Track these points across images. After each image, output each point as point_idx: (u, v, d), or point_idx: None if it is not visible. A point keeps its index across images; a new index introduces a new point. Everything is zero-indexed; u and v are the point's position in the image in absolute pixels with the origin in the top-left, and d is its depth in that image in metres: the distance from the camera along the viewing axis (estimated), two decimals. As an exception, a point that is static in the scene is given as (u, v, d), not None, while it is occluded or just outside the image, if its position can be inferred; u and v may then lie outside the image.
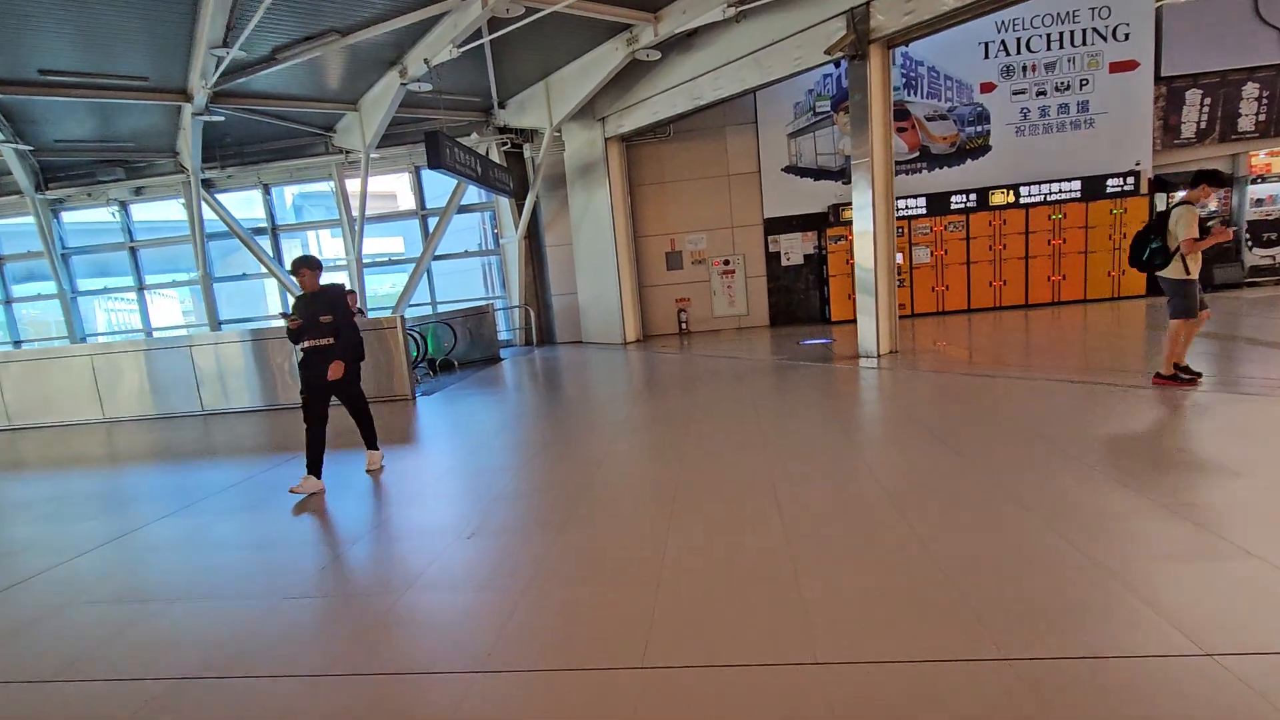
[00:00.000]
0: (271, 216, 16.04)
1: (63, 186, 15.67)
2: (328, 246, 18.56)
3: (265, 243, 16.07)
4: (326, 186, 15.93)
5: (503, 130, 14.39)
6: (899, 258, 13.17)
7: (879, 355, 9.03)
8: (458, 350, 13.15)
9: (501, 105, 14.04)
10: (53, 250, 16.14)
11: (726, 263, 14.60)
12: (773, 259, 14.46)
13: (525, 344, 15.35)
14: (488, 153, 14.44)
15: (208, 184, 15.59)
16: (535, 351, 14.09)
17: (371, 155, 14.15)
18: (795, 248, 14.35)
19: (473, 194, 15.53)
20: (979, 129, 13.57)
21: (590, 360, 11.90)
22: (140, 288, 16.70)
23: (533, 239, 15.37)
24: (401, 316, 9.32)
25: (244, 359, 9.57)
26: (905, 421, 5.55)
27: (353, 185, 15.54)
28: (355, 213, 14.50)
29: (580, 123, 13.68)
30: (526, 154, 14.54)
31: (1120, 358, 7.59)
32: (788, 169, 14.07)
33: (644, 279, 14.80)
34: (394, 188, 15.96)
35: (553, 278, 15.07)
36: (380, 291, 17.03)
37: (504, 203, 14.77)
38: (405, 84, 11.00)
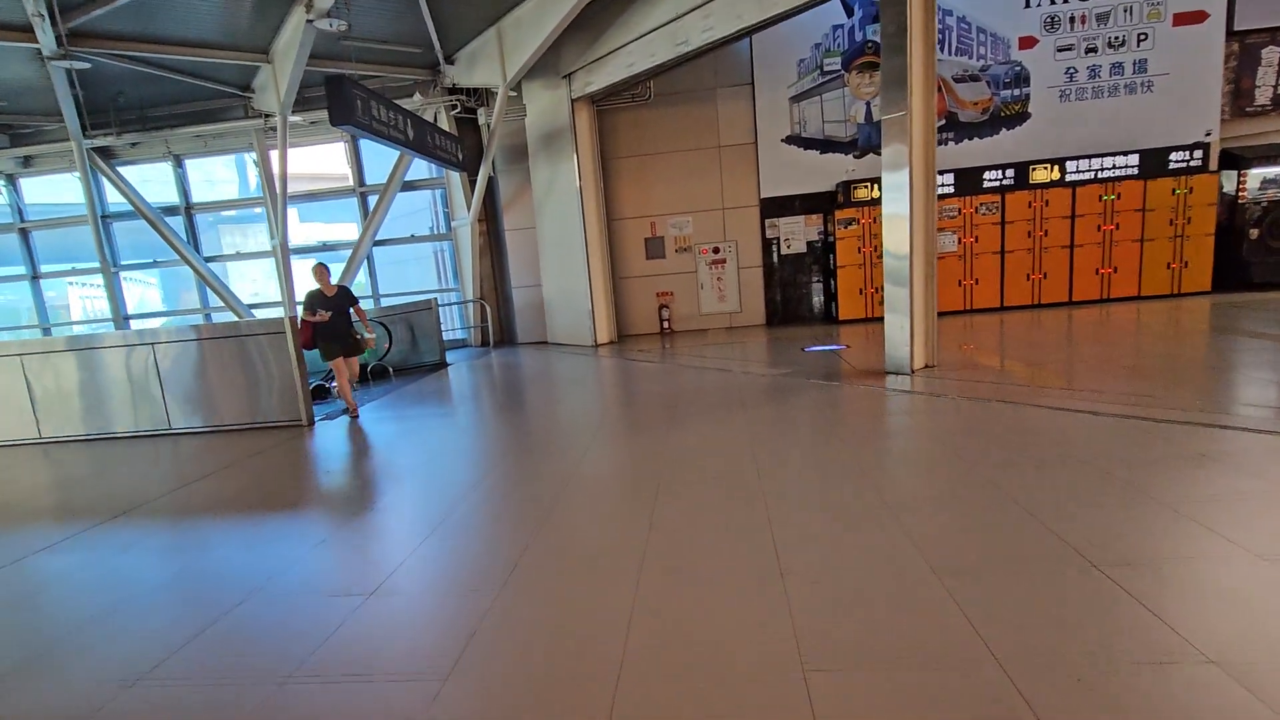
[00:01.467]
0: (185, 193, 13.69)
1: (-65, 156, 13.26)
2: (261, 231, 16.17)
3: (179, 224, 13.73)
4: (251, 158, 13.60)
5: (452, 91, 12.11)
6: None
7: (911, 371, 6.91)
8: (395, 354, 10.94)
9: (449, 60, 11.75)
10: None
11: (716, 251, 12.43)
12: (770, 247, 12.30)
13: (482, 345, 13.14)
14: (435, 118, 12.15)
15: (106, 153, 13.22)
16: (491, 354, 11.89)
17: (292, 119, 11.84)
18: (797, 233, 12.19)
19: (422, 168, 13.25)
20: (1017, 93, 11.42)
21: (551, 368, 9.72)
22: (34, 276, 14.33)
23: (490, 222, 13.13)
24: (291, 317, 7.09)
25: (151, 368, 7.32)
26: (984, 493, 3.42)
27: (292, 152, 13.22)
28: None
29: (543, 81, 11.42)
30: (481, 120, 12.26)
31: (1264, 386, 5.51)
32: (790, 139, 11.87)
33: (619, 269, 12.61)
34: (332, 162, 13.67)
35: (513, 267, 12.84)
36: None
37: (456, 179, 12.51)
38: (312, 21, 8.70)
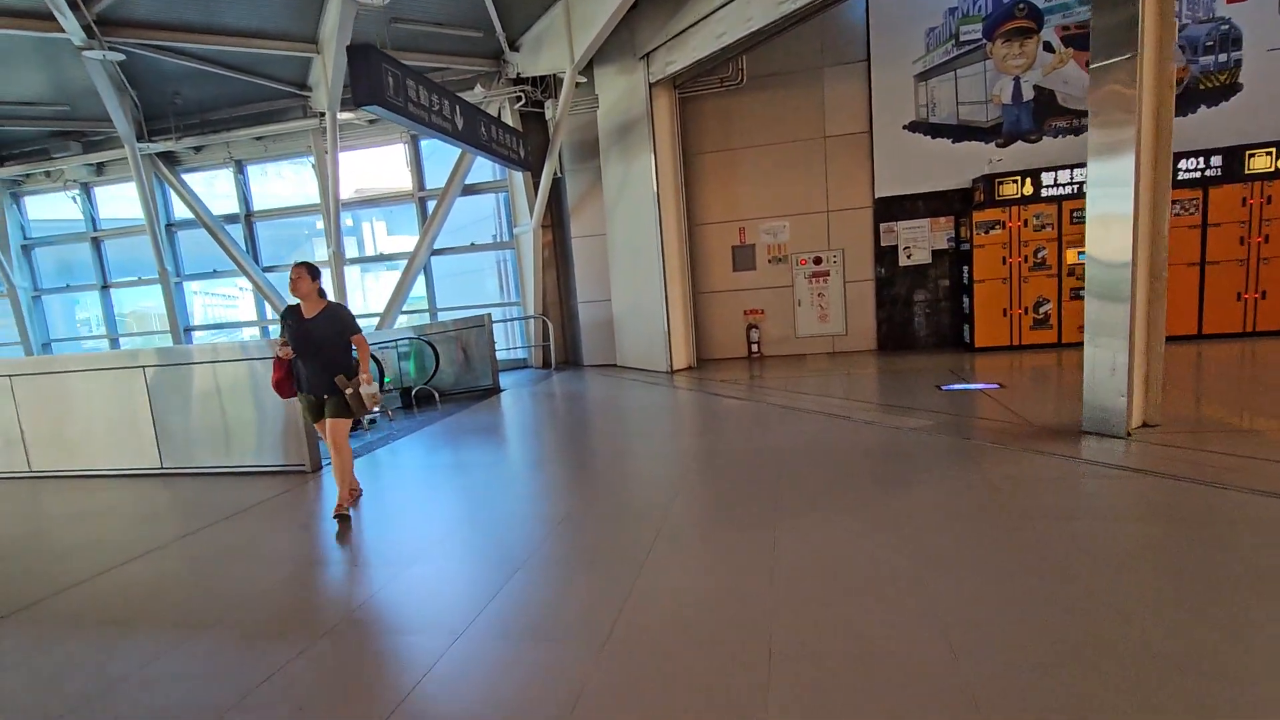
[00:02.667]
0: (246, 200, 13.06)
1: (18, 162, 13.23)
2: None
3: (239, 233, 13.11)
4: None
5: (517, 82, 10.76)
6: (1078, 255, 8.64)
7: (1127, 433, 4.72)
8: (444, 376, 9.60)
9: (514, 46, 10.41)
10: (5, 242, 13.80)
11: (818, 261, 10.42)
12: (886, 256, 10.16)
13: (543, 366, 11.66)
14: (499, 114, 10.85)
15: (170, 160, 12.77)
16: (552, 379, 10.36)
17: (347, 116, 10.86)
18: (920, 239, 9.99)
19: (486, 170, 12.01)
20: (1223, 59, 8.82)
21: (615, 403, 8.02)
22: (104, 285, 14.13)
23: (555, 229, 11.68)
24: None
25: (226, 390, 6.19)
26: None
27: (344, 159, 12.37)
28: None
29: (617, 65, 9.86)
30: (548, 114, 10.84)
31: None
32: (914, 125, 9.74)
33: (701, 283, 10.82)
34: (395, 167, 12.66)
35: (580, 280, 11.29)
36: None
37: (520, 182, 11.14)
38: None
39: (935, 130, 9.65)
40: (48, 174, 13.66)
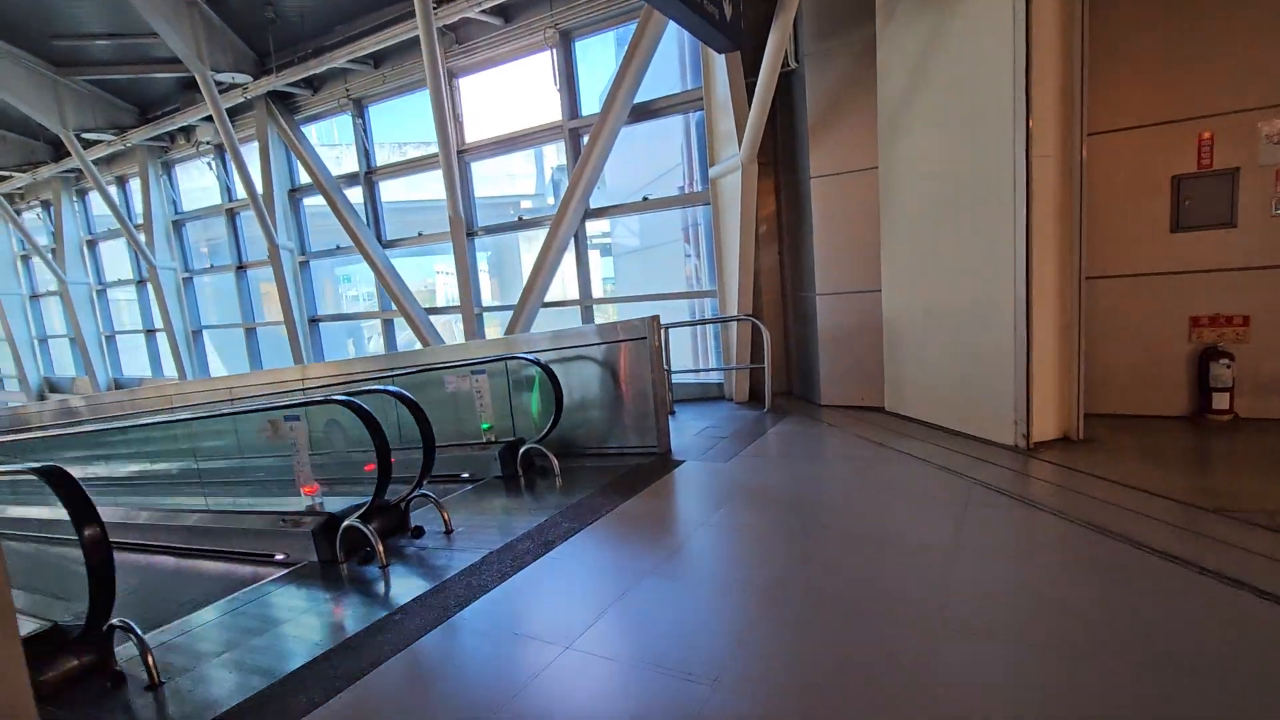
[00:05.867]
0: (367, 154, 10.01)
1: (153, 122, 11.56)
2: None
3: (357, 198, 10.17)
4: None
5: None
6: None
7: None
8: (568, 426, 5.43)
9: None
10: (130, 223, 12.37)
11: None
12: None
13: (748, 403, 6.97)
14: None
15: (286, 103, 10.13)
16: (767, 437, 5.64)
17: (476, 15, 7.09)
18: None
19: (670, 75, 7.58)
20: None
21: (922, 522, 3.05)
22: (239, 266, 12.18)
23: (779, 167, 6.85)
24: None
25: None
26: None
27: (472, 82, 8.82)
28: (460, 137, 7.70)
29: None
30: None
31: None
32: None
33: (1094, 261, 5.17)
34: (533, 93, 8.74)
35: (821, 255, 6.32)
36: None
37: (722, 96, 6.45)
38: None
39: None
40: (186, 136, 11.93)
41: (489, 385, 5.43)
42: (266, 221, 9.97)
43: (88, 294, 14.77)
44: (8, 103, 10.39)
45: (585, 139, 7.73)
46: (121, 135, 11.43)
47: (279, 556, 4.11)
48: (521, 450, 5.22)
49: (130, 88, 11.20)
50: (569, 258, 8.22)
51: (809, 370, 6.75)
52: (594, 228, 8.71)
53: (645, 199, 7.82)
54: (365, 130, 9.87)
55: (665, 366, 6.09)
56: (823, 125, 6.14)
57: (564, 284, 8.77)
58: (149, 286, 12.70)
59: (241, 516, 4.38)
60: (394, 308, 9.73)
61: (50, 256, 14.33)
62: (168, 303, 12.47)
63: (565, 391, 5.33)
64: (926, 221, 5.29)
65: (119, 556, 2.59)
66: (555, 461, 5.06)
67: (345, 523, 3.80)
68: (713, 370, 7.75)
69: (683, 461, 5.02)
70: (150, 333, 14.13)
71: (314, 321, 11.18)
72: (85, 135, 11.07)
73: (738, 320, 6.77)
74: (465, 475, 5.50)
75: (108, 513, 3.16)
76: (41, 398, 16.91)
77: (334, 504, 4.09)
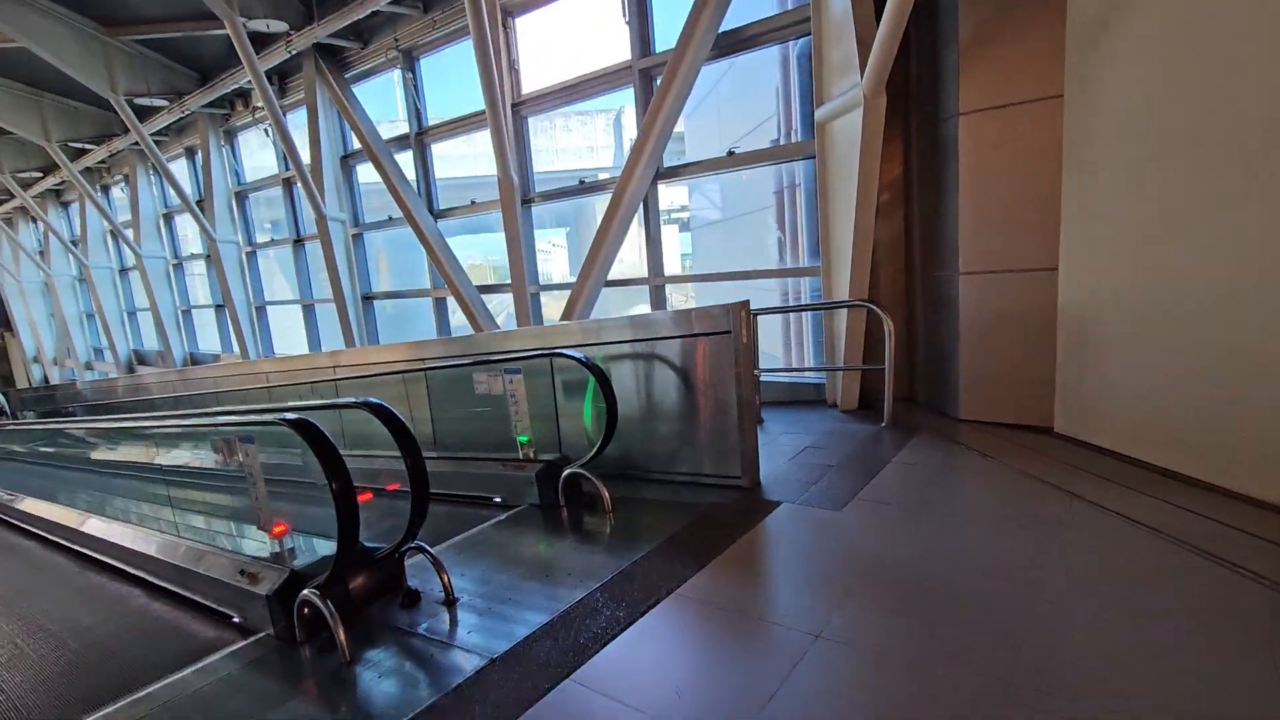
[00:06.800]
0: (419, 113, 8.99)
1: (210, 87, 11.00)
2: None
3: (406, 162, 9.19)
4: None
5: None
6: None
7: None
8: (638, 438, 4.18)
9: None
10: (187, 198, 11.93)
11: None
12: None
13: (858, 412, 5.47)
14: None
15: (336, 58, 9.25)
16: (893, 461, 4.18)
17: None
18: None
19: (756, 3, 6.06)
20: None
21: (1205, 662, 1.59)
22: (296, 240, 11.57)
23: (910, 103, 5.23)
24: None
25: None
26: None
27: (530, 22, 7.62)
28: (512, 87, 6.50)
29: None
30: None
31: None
32: None
33: None
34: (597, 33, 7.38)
35: (966, 220, 4.71)
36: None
37: (839, 10, 4.89)
38: None
39: None
40: (245, 102, 11.35)
41: (526, 387, 4.23)
42: (313, 190, 9.18)
43: (164, 268, 14.75)
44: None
45: (659, 81, 6.33)
46: (180, 101, 10.94)
47: (235, 620, 3.08)
48: (564, 474, 4.01)
49: (187, 49, 10.65)
50: (636, 229, 6.88)
51: (942, 373, 5.17)
52: (668, 198, 7.34)
53: (731, 153, 6.33)
54: (416, 85, 8.84)
55: (755, 369, 4.68)
56: (980, 41, 4.49)
57: (639, 258, 7.46)
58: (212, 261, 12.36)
59: (198, 558, 3.37)
60: (444, 286, 8.74)
61: (128, 232, 14.35)
62: (228, 278, 12.07)
63: (623, 398, 4.06)
64: (1155, 169, 3.61)
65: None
66: (606, 495, 3.81)
67: (303, 592, 2.70)
68: (810, 370, 6.27)
69: (778, 504, 3.65)
70: (219, 308, 13.92)
71: (368, 299, 10.40)
72: (139, 102, 10.62)
73: (849, 306, 5.26)
74: (499, 500, 4.36)
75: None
76: (130, 370, 17.34)
77: (321, 548, 3.05)
